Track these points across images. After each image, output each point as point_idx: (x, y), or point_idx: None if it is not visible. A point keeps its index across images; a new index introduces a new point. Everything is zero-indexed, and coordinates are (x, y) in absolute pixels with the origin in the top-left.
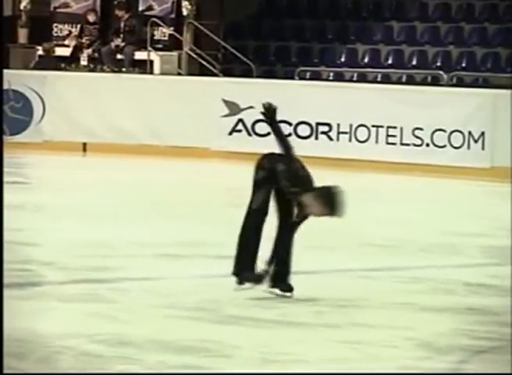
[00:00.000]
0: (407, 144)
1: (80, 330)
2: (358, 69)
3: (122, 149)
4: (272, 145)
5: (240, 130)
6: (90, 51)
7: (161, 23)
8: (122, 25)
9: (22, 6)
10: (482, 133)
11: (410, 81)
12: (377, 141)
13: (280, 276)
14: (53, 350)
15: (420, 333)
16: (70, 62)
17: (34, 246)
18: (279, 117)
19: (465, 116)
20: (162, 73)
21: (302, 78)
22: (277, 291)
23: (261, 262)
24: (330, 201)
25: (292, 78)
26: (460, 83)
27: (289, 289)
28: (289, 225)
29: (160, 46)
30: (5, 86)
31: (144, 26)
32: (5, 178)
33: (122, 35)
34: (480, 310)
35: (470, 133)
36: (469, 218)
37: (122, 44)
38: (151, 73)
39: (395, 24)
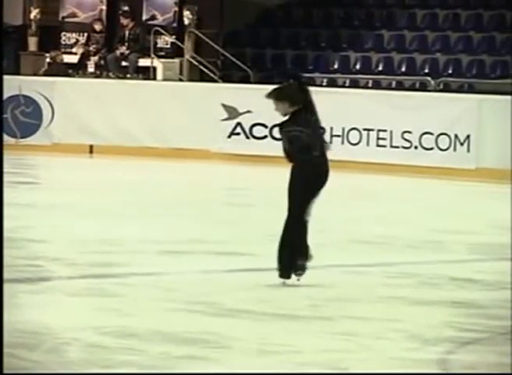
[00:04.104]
0: (397, 147)
1: (86, 323)
2: (350, 76)
3: (126, 151)
4: (267, 148)
5: (238, 133)
6: (96, 58)
7: (164, 32)
8: (126, 33)
9: (32, 16)
10: (468, 136)
11: (400, 87)
12: (368, 144)
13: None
14: (61, 341)
15: (409, 325)
16: (78, 69)
17: (44, 243)
18: (275, 122)
19: (451, 119)
20: (165, 79)
21: None
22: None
23: None
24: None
25: None
26: (447, 88)
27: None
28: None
29: (162, 53)
30: (16, 91)
31: (148, 34)
32: (17, 178)
33: (126, 43)
34: (465, 303)
35: (456, 136)
36: (455, 216)
37: (127, 51)
38: (154, 79)
39: (385, 33)
